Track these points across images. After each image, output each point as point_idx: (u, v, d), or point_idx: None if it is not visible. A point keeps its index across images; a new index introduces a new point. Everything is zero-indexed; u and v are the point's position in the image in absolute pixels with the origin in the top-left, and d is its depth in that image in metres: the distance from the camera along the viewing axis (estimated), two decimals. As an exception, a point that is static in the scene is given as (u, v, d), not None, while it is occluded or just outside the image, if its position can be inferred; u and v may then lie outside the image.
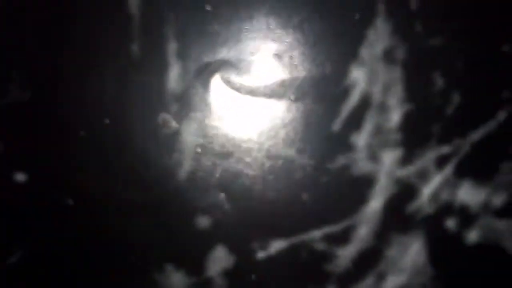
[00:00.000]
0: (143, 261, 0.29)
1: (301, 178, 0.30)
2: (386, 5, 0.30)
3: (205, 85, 0.30)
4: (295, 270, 0.30)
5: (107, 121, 0.29)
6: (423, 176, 0.30)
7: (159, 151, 0.30)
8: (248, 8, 0.30)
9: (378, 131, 0.30)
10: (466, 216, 0.30)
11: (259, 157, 0.30)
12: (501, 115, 0.30)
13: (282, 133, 0.30)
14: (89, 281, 0.29)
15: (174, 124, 0.30)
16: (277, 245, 0.30)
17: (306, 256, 0.30)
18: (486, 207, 0.30)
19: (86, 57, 0.29)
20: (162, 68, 0.29)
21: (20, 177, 0.28)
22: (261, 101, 0.30)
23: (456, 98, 0.30)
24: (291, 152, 0.30)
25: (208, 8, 0.30)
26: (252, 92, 0.30)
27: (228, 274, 0.30)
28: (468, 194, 0.30)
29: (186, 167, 0.30)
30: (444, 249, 0.30)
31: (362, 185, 0.30)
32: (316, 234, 0.30)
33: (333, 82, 0.30)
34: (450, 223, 0.30)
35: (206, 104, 0.30)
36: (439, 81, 0.31)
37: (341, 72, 0.30)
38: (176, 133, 0.30)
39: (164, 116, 0.30)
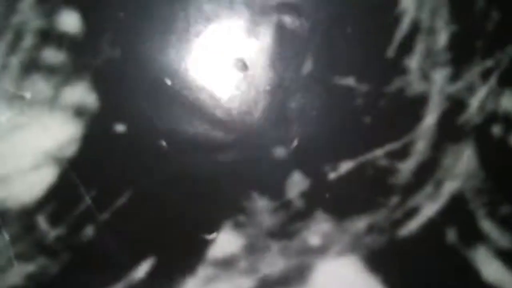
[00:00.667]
0: (232, 191, 0.32)
1: (361, 103, 0.33)
2: None
3: (270, 25, 0.32)
4: (363, 186, 0.33)
5: (188, 68, 0.32)
6: (471, 89, 0.33)
7: (233, 93, 0.32)
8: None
9: (428, 53, 0.33)
10: (510, 122, 0.33)
11: (320, 90, 0.33)
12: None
13: (340, 64, 0.33)
14: (187, 214, 0.32)
15: (245, 64, 0.32)
16: (345, 166, 0.33)
17: (371, 173, 0.33)
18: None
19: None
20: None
21: (120, 128, 0.31)
22: (319, 37, 0.33)
23: (495, 16, 0.33)
24: (350, 81, 0.33)
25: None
26: (311, 30, 0.33)
27: (305, 195, 0.32)
28: (510, 102, 0.33)
29: (259, 104, 0.32)
30: (493, 153, 0.33)
31: (417, 104, 0.33)
32: (379, 152, 0.33)
33: (385, 12, 0.33)
34: (496, 130, 0.33)
35: (272, 43, 0.33)
36: (479, 1, 0.33)
37: (391, 2, 0.33)
38: (247, 75, 0.32)
39: (237, 59, 0.32)
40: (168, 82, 0.31)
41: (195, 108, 0.32)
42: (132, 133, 0.31)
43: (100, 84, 0.31)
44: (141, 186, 0.31)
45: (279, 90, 0.33)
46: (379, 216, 0.33)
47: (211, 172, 0.32)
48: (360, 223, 0.32)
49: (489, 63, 0.33)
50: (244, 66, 0.32)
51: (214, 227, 0.32)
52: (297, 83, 0.33)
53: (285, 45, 0.33)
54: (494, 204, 0.32)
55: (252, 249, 0.32)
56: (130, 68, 0.31)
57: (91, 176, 0.31)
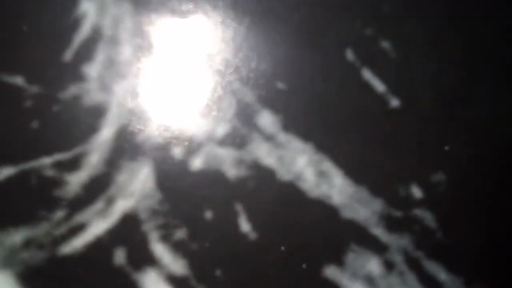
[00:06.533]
0: None
1: (31, 106, 0.30)
2: None
3: None
4: (24, 196, 0.30)
5: None
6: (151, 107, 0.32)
7: None
8: None
9: (110, 63, 0.31)
10: (191, 144, 0.32)
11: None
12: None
13: (9, 61, 0.30)
14: None
15: None
16: (5, 172, 0.30)
17: (35, 183, 0.30)
18: (210, 137, 0.32)
19: None
20: None
21: None
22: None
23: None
24: (16, 80, 0.30)
25: None
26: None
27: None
28: (194, 125, 0.32)
29: None
30: (171, 175, 0.32)
31: (94, 114, 0.31)
32: (46, 161, 0.30)
33: (64, 12, 0.31)
34: (177, 151, 0.32)
35: None
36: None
37: (70, 2, 0.31)
38: None
39: None
40: None
41: None
42: None
43: None
44: None
45: None
46: (40, 230, 0.30)
47: None
48: (17, 237, 0.30)
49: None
50: None
51: None
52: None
53: None
54: (169, 227, 0.31)
55: None
56: None
57: None
